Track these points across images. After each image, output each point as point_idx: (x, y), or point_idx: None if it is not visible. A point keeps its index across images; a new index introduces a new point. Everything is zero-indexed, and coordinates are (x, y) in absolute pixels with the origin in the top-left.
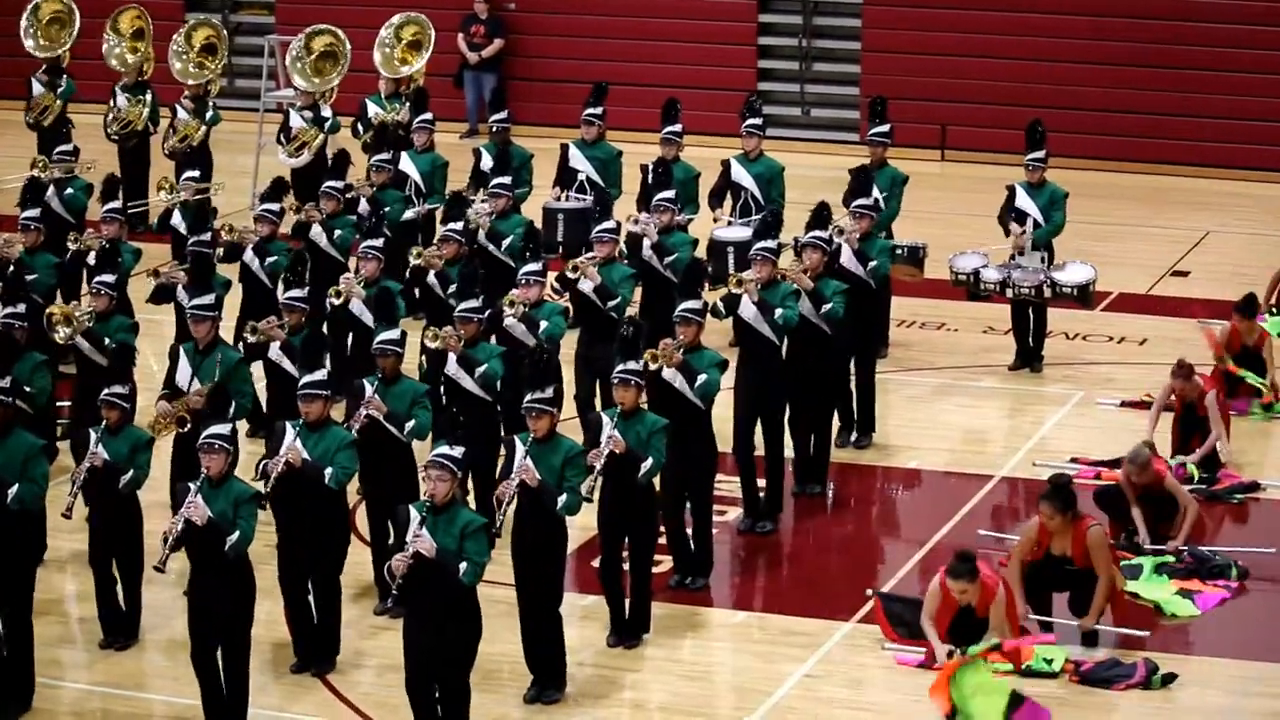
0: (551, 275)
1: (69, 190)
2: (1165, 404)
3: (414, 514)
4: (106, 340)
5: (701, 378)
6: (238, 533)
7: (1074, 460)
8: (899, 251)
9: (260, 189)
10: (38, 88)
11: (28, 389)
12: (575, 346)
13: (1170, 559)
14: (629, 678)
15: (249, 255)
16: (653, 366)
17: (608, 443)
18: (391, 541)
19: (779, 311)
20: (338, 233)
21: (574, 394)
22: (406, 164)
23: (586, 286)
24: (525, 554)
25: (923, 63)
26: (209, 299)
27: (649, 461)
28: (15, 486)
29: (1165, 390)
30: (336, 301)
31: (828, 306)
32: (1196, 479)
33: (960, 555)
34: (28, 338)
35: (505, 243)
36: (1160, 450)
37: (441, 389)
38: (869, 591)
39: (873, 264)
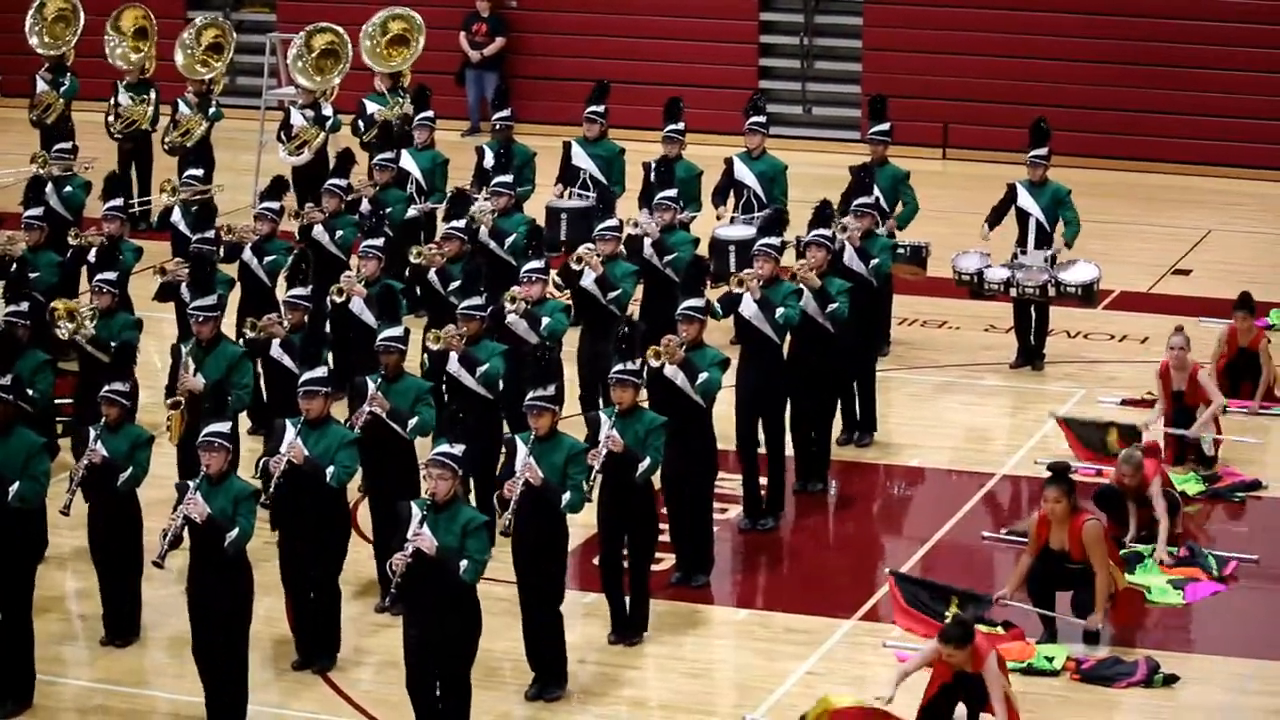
0: (553, 271)
1: (68, 188)
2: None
3: (415, 511)
4: (112, 343)
5: (703, 376)
6: (237, 530)
7: (1051, 415)
8: (901, 250)
9: (261, 187)
10: (41, 85)
11: (29, 390)
12: (577, 344)
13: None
14: (630, 675)
15: (247, 254)
16: (655, 363)
17: (605, 442)
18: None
19: (780, 310)
20: (340, 232)
21: (579, 394)
22: (407, 161)
23: (589, 279)
24: (527, 552)
25: (924, 61)
26: (211, 300)
27: (647, 460)
28: (16, 484)
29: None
30: (338, 299)
31: (834, 306)
32: (1198, 479)
33: (957, 620)
34: (29, 336)
35: (509, 241)
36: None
37: (444, 387)
38: (886, 570)
39: (875, 262)
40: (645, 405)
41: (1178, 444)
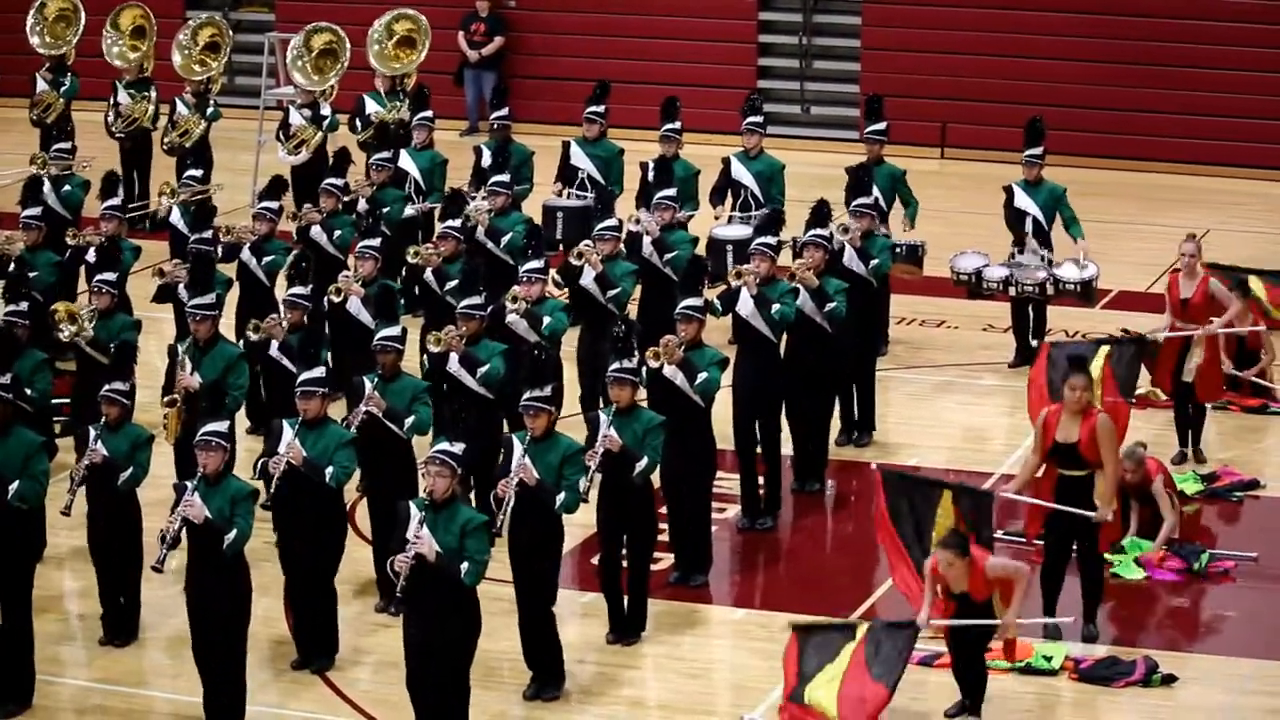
0: (552, 270)
1: (66, 187)
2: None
3: (414, 511)
4: (111, 346)
5: (702, 376)
6: (235, 530)
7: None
8: (898, 250)
9: (260, 187)
10: (41, 85)
11: (29, 391)
12: (576, 345)
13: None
14: (628, 675)
15: (246, 254)
16: (654, 364)
17: (602, 442)
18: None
19: (775, 307)
20: (338, 233)
21: (579, 395)
22: (406, 161)
23: (588, 277)
24: (522, 552)
25: (922, 60)
26: (209, 298)
27: (644, 460)
28: (16, 483)
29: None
30: (336, 300)
31: (831, 306)
32: (1196, 478)
33: (953, 531)
34: (28, 336)
35: (505, 240)
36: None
37: (444, 386)
38: (874, 465)
39: (874, 262)
40: (644, 404)
41: (1179, 434)
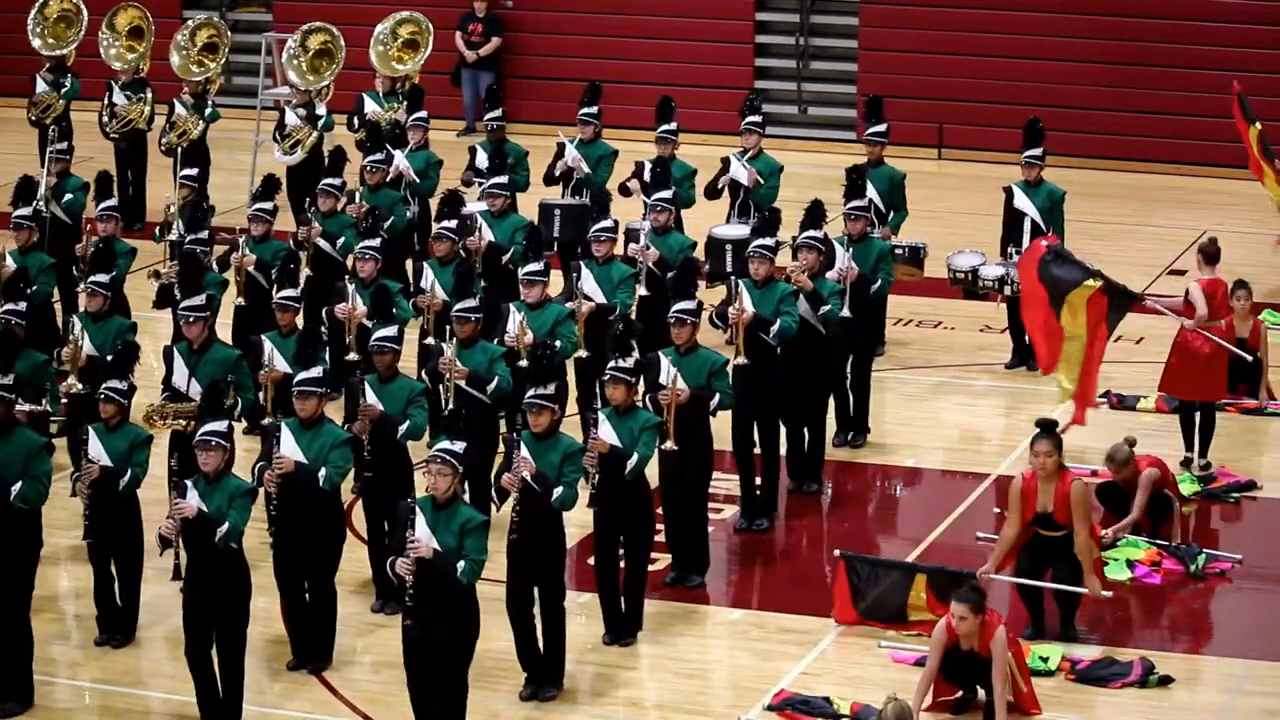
0: (553, 271)
1: (67, 196)
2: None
3: (415, 512)
4: (118, 344)
5: (715, 401)
6: (227, 524)
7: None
8: (899, 251)
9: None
10: (41, 85)
11: (46, 404)
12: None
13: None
14: (625, 675)
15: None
16: (669, 443)
17: (593, 443)
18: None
19: (775, 328)
20: (341, 240)
21: (575, 396)
22: (400, 162)
23: (589, 283)
24: (524, 553)
25: (920, 61)
26: (199, 300)
27: (634, 457)
28: (18, 484)
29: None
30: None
31: (826, 308)
32: (1193, 479)
33: (972, 586)
34: (24, 335)
35: (506, 257)
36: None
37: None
38: (836, 552)
39: (875, 286)
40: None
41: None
